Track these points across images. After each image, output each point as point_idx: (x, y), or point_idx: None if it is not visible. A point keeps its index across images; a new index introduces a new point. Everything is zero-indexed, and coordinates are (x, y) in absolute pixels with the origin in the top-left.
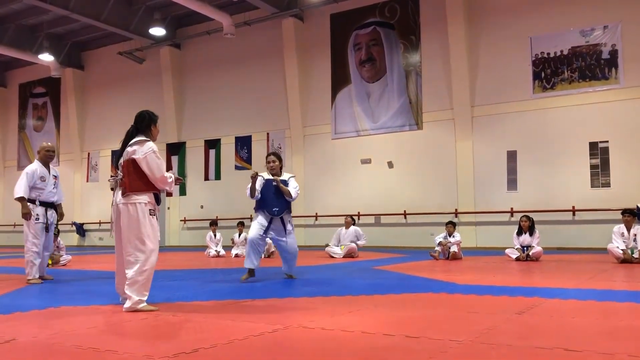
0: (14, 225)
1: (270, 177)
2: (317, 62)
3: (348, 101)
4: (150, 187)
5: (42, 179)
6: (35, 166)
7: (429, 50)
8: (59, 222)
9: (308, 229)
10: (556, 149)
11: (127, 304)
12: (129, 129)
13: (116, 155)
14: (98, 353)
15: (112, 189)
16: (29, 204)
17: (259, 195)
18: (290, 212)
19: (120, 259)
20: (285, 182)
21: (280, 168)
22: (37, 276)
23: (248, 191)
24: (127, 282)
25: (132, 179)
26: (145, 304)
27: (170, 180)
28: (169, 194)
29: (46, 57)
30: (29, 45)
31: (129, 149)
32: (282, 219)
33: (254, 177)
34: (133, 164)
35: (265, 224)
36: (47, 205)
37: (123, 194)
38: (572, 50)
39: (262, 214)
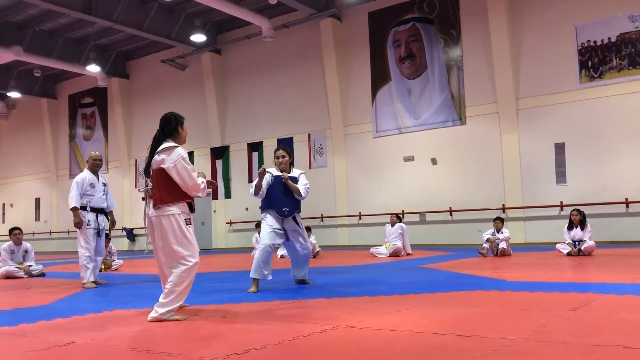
0: (68, 231)
1: (279, 173)
2: (356, 61)
3: (389, 99)
4: (182, 197)
5: (92, 185)
6: (85, 174)
7: (470, 44)
8: (112, 229)
9: (352, 228)
10: (606, 139)
11: (154, 313)
12: (155, 133)
13: (145, 162)
14: (152, 355)
15: (143, 199)
16: (80, 211)
17: (264, 194)
18: (300, 211)
19: (160, 265)
20: (295, 179)
21: (291, 164)
22: (92, 280)
23: (252, 189)
24: (164, 292)
25: (162, 189)
26: (173, 313)
27: (203, 186)
28: (215, 197)
29: (93, 68)
30: (76, 58)
31: (156, 157)
32: (294, 219)
33: (262, 173)
34: (162, 173)
35: (279, 227)
36: (98, 211)
37: (155, 206)
38: (621, 36)
39: (271, 214)
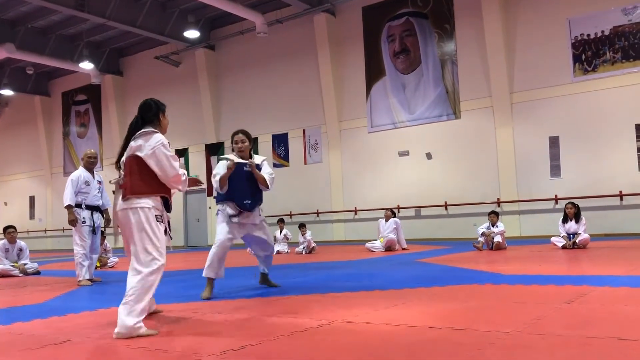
0: (63, 229)
1: (240, 160)
2: (350, 56)
3: (383, 94)
4: (157, 189)
5: (87, 183)
6: (80, 172)
7: (464, 38)
8: (107, 226)
9: (348, 223)
10: (600, 132)
11: (121, 329)
12: (132, 120)
13: (118, 151)
14: (149, 352)
15: (113, 192)
16: (75, 208)
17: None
18: (261, 203)
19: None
20: (258, 167)
21: (250, 150)
22: (87, 278)
23: (217, 183)
24: (125, 300)
25: (134, 179)
26: (144, 327)
27: (184, 178)
28: (210, 193)
29: (86, 65)
30: (69, 55)
31: (132, 143)
32: (256, 213)
33: (232, 168)
34: (137, 161)
35: (237, 220)
36: (93, 208)
37: (123, 198)
38: (614, 30)
39: (230, 207)
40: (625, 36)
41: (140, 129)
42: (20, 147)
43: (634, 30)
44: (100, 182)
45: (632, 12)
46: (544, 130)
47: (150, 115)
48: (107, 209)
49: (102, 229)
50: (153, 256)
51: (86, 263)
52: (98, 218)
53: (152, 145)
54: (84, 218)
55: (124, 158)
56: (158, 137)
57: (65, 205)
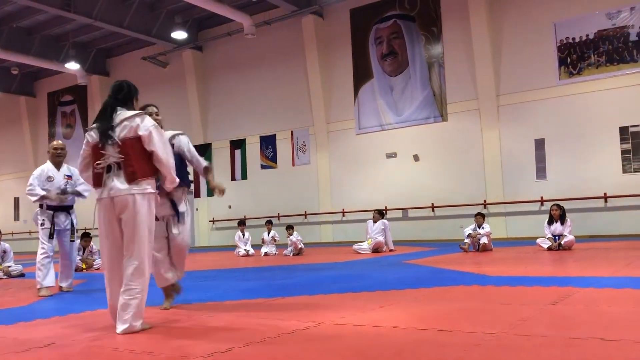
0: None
1: None
2: (338, 58)
3: (371, 96)
4: (155, 171)
5: (49, 179)
6: (43, 166)
7: (451, 41)
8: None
9: (335, 225)
10: (585, 135)
11: (124, 326)
12: (106, 100)
13: (97, 131)
14: (135, 355)
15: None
16: (38, 209)
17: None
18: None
19: (116, 267)
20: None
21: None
22: (47, 285)
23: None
24: (130, 297)
25: (142, 161)
26: (142, 321)
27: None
28: (197, 195)
29: (72, 66)
30: (55, 55)
31: (126, 123)
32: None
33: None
34: (140, 142)
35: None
36: (57, 208)
37: (132, 181)
38: (599, 33)
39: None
40: (609, 40)
41: (116, 110)
42: (4, 148)
43: (617, 34)
44: (69, 177)
45: (616, 16)
46: (530, 132)
47: (124, 96)
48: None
49: (88, 231)
50: (149, 249)
51: (45, 269)
52: (66, 219)
53: (148, 127)
54: (42, 220)
55: (115, 139)
56: (151, 120)
57: (36, 200)
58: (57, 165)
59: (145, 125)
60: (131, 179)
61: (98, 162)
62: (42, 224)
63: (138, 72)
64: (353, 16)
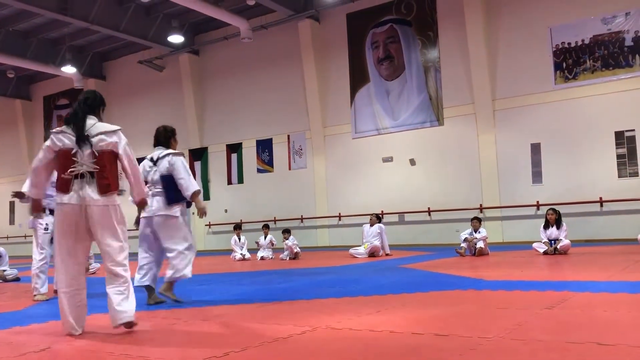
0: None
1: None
2: (334, 62)
3: (367, 100)
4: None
5: (52, 184)
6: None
7: (448, 46)
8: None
9: (332, 229)
10: (581, 139)
11: (132, 317)
12: (75, 106)
13: (69, 138)
14: (131, 359)
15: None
16: (36, 213)
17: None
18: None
19: (74, 273)
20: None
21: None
22: (44, 292)
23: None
24: (120, 290)
25: (114, 175)
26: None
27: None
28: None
29: (69, 69)
30: (51, 59)
31: (104, 137)
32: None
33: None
34: (114, 157)
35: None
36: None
37: (105, 193)
38: (594, 38)
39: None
40: (605, 45)
41: (85, 116)
42: (0, 151)
43: (613, 39)
44: None
45: (612, 21)
46: (525, 137)
47: (95, 105)
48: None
49: None
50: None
51: (44, 275)
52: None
53: (123, 145)
54: (46, 224)
55: (91, 149)
56: (124, 138)
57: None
58: None
59: (122, 143)
60: (104, 191)
61: (72, 168)
62: (46, 229)
63: (134, 76)
64: (349, 20)
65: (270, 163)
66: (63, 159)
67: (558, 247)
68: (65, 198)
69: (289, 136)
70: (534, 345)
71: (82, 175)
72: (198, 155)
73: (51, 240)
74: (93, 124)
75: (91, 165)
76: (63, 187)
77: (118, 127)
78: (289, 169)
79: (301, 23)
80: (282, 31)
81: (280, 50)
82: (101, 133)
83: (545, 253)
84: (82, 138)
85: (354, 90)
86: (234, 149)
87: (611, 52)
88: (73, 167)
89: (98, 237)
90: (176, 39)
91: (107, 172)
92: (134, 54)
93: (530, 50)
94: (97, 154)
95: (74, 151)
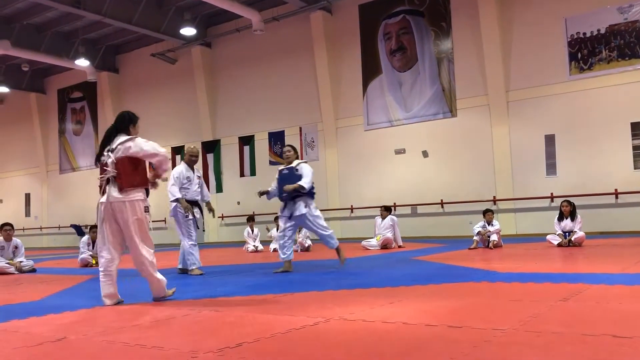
0: (59, 227)
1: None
2: (347, 54)
3: (380, 91)
4: (144, 182)
5: (188, 179)
6: (181, 168)
7: (461, 36)
8: (214, 217)
9: (344, 221)
10: (596, 131)
11: (160, 292)
12: (109, 128)
13: (96, 152)
14: (145, 350)
15: (100, 187)
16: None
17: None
18: (307, 196)
19: (110, 257)
20: (297, 170)
21: (295, 156)
22: (199, 266)
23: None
24: (147, 268)
25: (129, 175)
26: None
27: (165, 152)
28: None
29: (82, 62)
30: (65, 52)
31: (121, 146)
32: (294, 200)
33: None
34: (130, 161)
35: (287, 214)
36: (193, 203)
37: (121, 190)
38: (610, 28)
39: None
40: (621, 35)
41: (115, 136)
42: (15, 144)
43: (629, 29)
44: (199, 177)
45: (628, 10)
46: (540, 128)
47: (123, 126)
48: (209, 202)
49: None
50: (151, 241)
51: (196, 252)
52: (197, 212)
53: (137, 145)
54: (187, 213)
55: (112, 158)
56: (139, 140)
57: (172, 199)
58: (192, 167)
59: (133, 146)
60: (121, 189)
61: (101, 175)
62: (187, 216)
63: (147, 69)
64: (362, 12)
65: (282, 155)
66: (100, 169)
67: (572, 239)
68: (102, 198)
69: (300, 128)
70: (549, 338)
71: (108, 180)
72: (210, 148)
73: (197, 225)
74: (118, 139)
75: (113, 171)
76: (101, 190)
77: (133, 136)
78: None
79: (313, 15)
80: (294, 23)
81: (292, 42)
82: (120, 144)
83: (559, 245)
84: (100, 152)
85: (366, 81)
86: (246, 141)
87: (627, 41)
88: (102, 175)
89: (121, 226)
90: (188, 31)
91: (122, 175)
92: (147, 47)
93: (545, 40)
94: (116, 162)
95: (104, 162)
